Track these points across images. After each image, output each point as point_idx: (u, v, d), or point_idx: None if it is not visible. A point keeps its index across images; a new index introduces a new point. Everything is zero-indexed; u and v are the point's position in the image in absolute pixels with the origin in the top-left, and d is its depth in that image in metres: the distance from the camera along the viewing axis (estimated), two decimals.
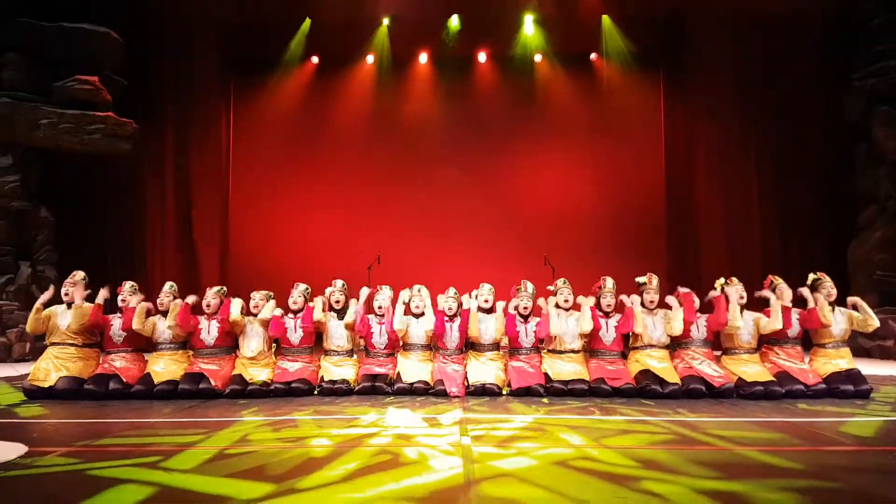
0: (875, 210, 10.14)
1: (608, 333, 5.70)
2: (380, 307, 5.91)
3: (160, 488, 2.73)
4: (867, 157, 10.35)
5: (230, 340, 5.87)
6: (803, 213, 11.17)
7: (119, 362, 5.72)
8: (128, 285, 6.01)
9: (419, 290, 5.88)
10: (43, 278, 9.88)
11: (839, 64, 10.69)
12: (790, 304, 5.60)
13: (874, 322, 5.58)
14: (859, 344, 9.33)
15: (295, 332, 5.80)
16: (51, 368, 5.62)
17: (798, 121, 11.19)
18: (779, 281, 5.77)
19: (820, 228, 11.05)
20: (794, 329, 5.63)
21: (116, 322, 5.85)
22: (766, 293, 5.67)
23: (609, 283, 5.85)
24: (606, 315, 5.76)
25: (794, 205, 11.21)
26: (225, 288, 6.10)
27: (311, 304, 5.86)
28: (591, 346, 5.78)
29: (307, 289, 6.02)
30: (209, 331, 5.79)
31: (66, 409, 4.99)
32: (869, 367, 7.57)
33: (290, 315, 5.87)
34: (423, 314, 5.81)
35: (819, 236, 10.98)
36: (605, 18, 12.02)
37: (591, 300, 5.73)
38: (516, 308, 5.79)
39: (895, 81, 9.75)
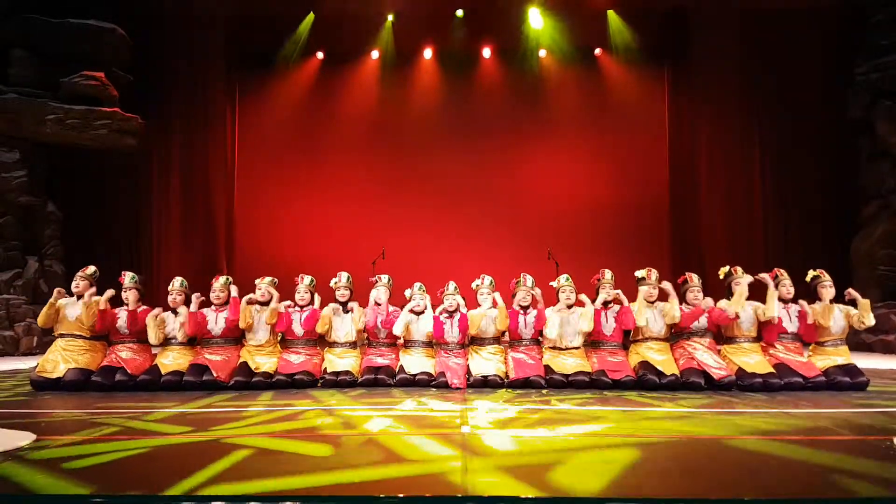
0: (878, 205, 10.17)
1: (608, 324, 5.76)
2: (378, 298, 5.99)
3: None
4: (870, 153, 10.37)
5: (237, 331, 5.93)
6: (806, 207, 11.19)
7: (125, 353, 5.77)
8: (128, 277, 6.00)
9: (420, 289, 5.96)
10: (50, 273, 9.99)
11: (842, 58, 10.70)
12: (788, 300, 5.64)
13: (869, 321, 5.61)
14: (861, 339, 9.36)
15: (300, 324, 5.88)
16: (59, 360, 5.67)
17: (802, 115, 11.21)
18: (784, 276, 5.79)
19: (823, 223, 11.07)
20: (795, 324, 5.66)
21: (122, 315, 5.91)
22: (764, 277, 5.67)
23: (608, 274, 5.92)
24: (605, 306, 5.82)
25: (798, 199, 11.24)
26: (230, 278, 6.14)
27: (313, 306, 5.94)
28: (591, 337, 5.82)
29: (312, 281, 6.07)
30: (216, 321, 5.86)
31: (74, 400, 5.06)
32: (870, 362, 7.61)
33: (297, 308, 5.94)
34: (423, 312, 5.91)
35: (822, 231, 10.99)
36: (610, 13, 12.06)
37: (595, 301, 5.78)
38: (516, 301, 5.87)
39: None
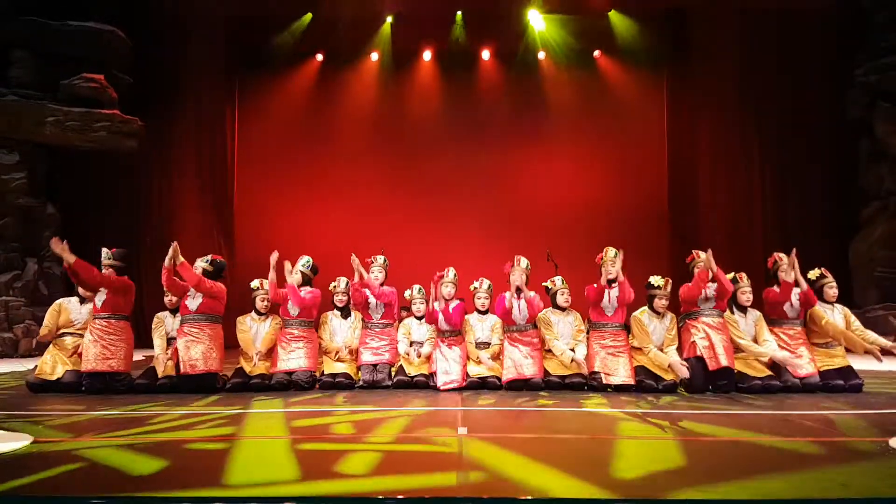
0: (877, 207, 10.17)
1: (610, 304, 5.59)
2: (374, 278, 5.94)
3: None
4: (870, 154, 10.37)
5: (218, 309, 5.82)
6: (806, 209, 11.19)
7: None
8: (104, 253, 5.89)
9: (419, 292, 5.95)
10: (50, 275, 10.00)
11: (842, 60, 10.71)
12: (792, 281, 5.59)
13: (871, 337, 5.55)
14: None
15: (294, 305, 5.79)
16: (56, 361, 5.67)
17: (801, 117, 11.21)
18: (782, 261, 5.69)
19: (822, 225, 11.07)
20: (795, 309, 5.62)
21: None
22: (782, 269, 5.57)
23: (611, 252, 5.65)
24: (609, 285, 5.62)
25: (797, 201, 11.24)
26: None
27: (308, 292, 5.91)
28: (592, 318, 5.66)
29: (309, 261, 6.01)
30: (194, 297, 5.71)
31: (72, 401, 5.06)
32: (868, 364, 7.58)
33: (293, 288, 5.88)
34: (423, 318, 5.92)
35: (821, 232, 10.99)
36: (610, 15, 12.04)
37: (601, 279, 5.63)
38: (511, 284, 5.78)
39: None
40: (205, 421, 4.05)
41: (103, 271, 5.70)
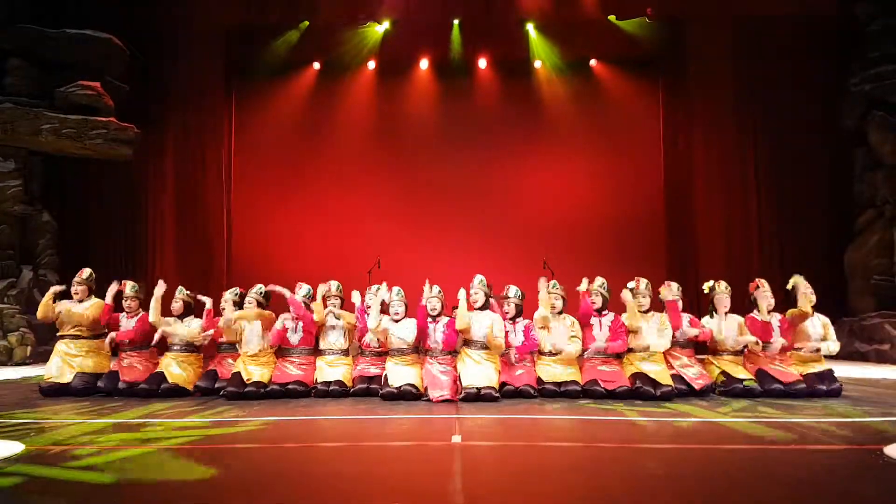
0: (872, 214, 10.20)
1: (601, 332, 5.67)
2: (369, 306, 5.95)
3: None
4: (864, 162, 10.41)
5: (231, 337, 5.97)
6: (801, 217, 11.21)
7: (127, 360, 5.88)
8: (129, 285, 6.15)
9: (398, 294, 5.85)
10: (45, 282, 9.96)
11: (837, 69, 10.75)
12: (769, 311, 5.69)
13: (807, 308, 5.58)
14: (856, 348, 9.36)
15: (295, 332, 5.85)
16: (64, 365, 5.75)
17: (796, 126, 11.23)
18: (765, 287, 5.79)
19: (818, 233, 11.09)
20: (777, 333, 5.66)
21: (125, 322, 5.99)
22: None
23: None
24: (599, 314, 5.74)
25: (793, 209, 11.25)
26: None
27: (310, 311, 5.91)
28: (585, 345, 5.70)
29: (309, 291, 6.04)
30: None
31: (71, 406, 5.05)
32: (865, 371, 7.60)
33: (291, 318, 5.90)
34: (402, 319, 5.79)
35: (817, 241, 11.02)
36: (606, 24, 12.04)
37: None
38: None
39: (891, 86, 9.81)
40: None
41: (126, 303, 6.10)
